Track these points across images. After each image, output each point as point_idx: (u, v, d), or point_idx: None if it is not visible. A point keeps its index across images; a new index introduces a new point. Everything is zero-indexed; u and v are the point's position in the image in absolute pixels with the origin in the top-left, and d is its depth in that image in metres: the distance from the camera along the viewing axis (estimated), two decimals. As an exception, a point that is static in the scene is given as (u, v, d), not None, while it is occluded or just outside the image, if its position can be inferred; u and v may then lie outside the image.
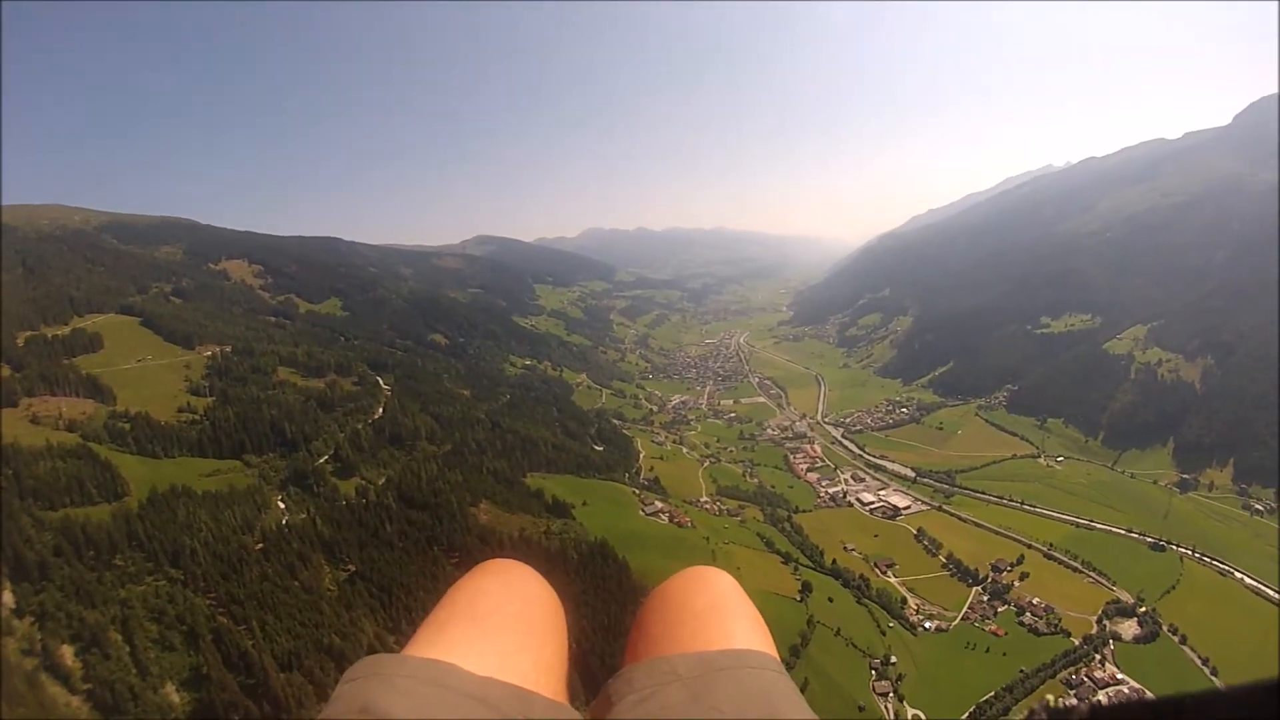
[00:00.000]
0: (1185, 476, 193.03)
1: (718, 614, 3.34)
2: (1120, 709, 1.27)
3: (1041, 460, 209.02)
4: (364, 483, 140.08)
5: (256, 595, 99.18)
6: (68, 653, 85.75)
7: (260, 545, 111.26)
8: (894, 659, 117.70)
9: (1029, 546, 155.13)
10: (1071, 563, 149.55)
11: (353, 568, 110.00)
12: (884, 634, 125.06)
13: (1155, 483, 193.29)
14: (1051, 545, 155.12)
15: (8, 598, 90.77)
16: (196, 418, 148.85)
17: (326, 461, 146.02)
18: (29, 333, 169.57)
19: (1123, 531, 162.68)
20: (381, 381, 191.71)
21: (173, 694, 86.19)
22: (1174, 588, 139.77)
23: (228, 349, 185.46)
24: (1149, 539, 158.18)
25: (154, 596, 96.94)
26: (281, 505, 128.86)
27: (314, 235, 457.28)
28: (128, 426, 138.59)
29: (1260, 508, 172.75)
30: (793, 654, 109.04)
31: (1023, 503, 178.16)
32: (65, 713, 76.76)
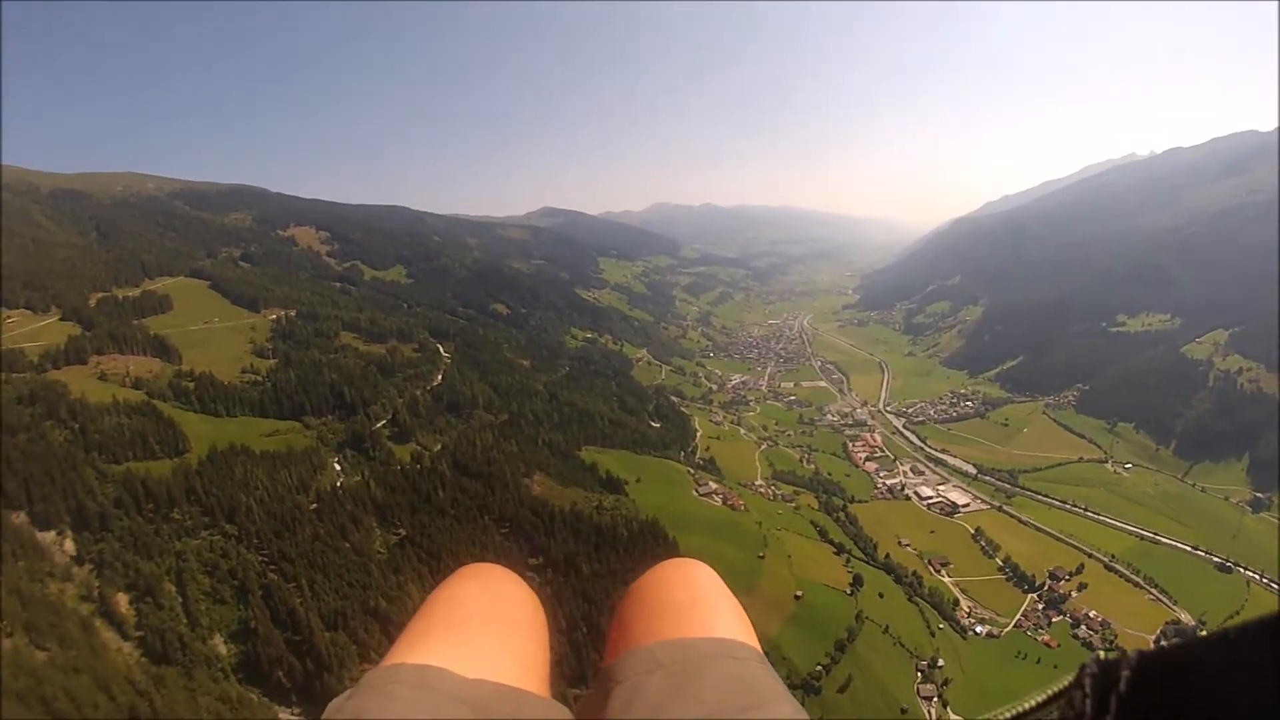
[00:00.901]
0: (1259, 495, 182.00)
1: (699, 605, 3.32)
2: (1165, 654, 1.28)
3: (1109, 466, 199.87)
4: (420, 448, 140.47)
5: (307, 554, 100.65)
6: (123, 600, 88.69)
7: (314, 505, 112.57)
8: (941, 662, 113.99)
9: (1090, 556, 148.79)
10: (1133, 577, 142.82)
11: (403, 532, 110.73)
12: (933, 635, 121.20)
13: (1227, 499, 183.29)
14: (1113, 556, 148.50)
15: (69, 546, 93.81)
16: (259, 379, 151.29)
17: (384, 426, 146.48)
18: (101, 294, 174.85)
19: (1189, 548, 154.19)
20: (442, 349, 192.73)
21: (220, 645, 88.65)
22: (1238, 613, 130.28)
23: (292, 313, 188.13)
24: (1216, 558, 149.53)
25: (208, 550, 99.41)
26: (337, 467, 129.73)
27: (382, 204, 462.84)
28: (191, 385, 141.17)
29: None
30: (838, 649, 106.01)
31: (1086, 509, 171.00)
32: (116, 658, 78.47)
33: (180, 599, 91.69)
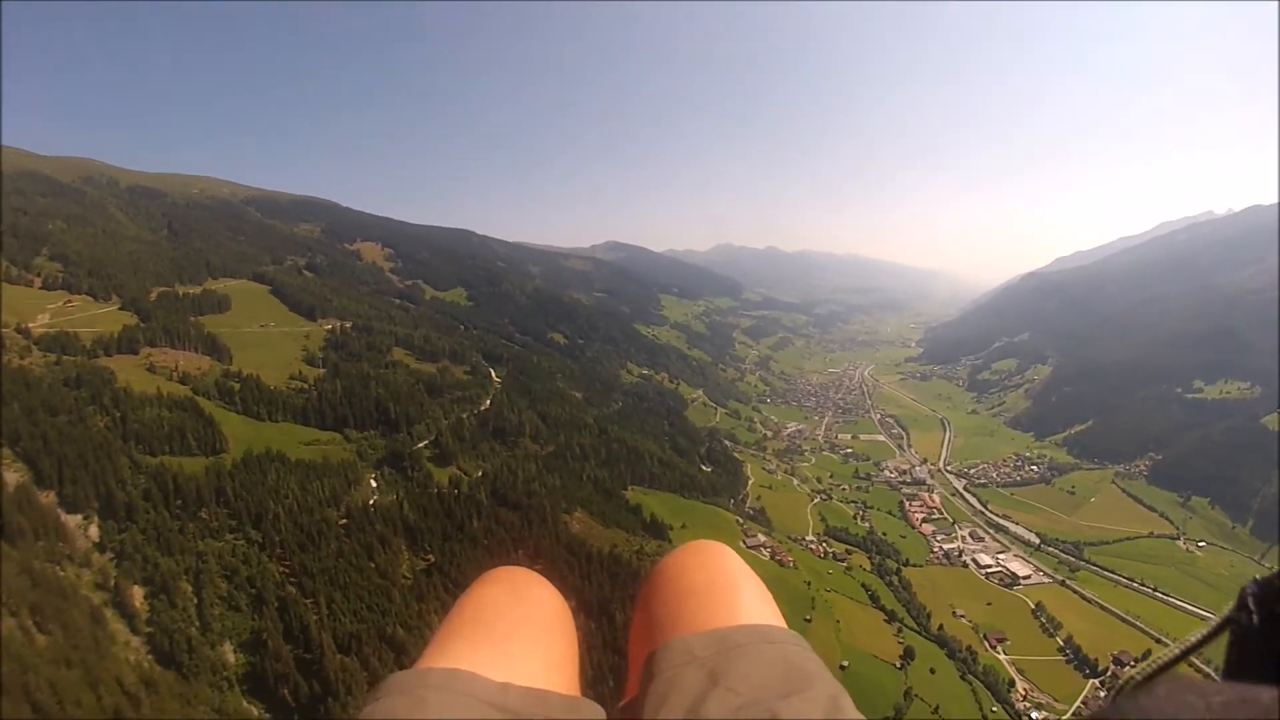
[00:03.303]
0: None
1: (728, 589, 3.26)
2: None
3: (1180, 543, 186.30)
4: (459, 473, 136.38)
5: (329, 571, 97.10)
6: (138, 594, 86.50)
7: (343, 521, 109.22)
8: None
9: (1157, 640, 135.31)
10: (1204, 667, 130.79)
11: (432, 558, 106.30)
12: (985, 718, 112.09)
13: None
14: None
15: (94, 531, 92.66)
16: (305, 386, 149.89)
17: (426, 446, 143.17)
18: (162, 288, 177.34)
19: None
20: (494, 373, 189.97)
21: (229, 653, 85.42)
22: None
23: (348, 325, 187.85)
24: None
25: (230, 555, 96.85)
26: (373, 484, 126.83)
27: (449, 227, 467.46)
28: (237, 386, 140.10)
29: None
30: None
31: (1155, 589, 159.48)
32: (120, 652, 76.12)
33: (195, 600, 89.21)
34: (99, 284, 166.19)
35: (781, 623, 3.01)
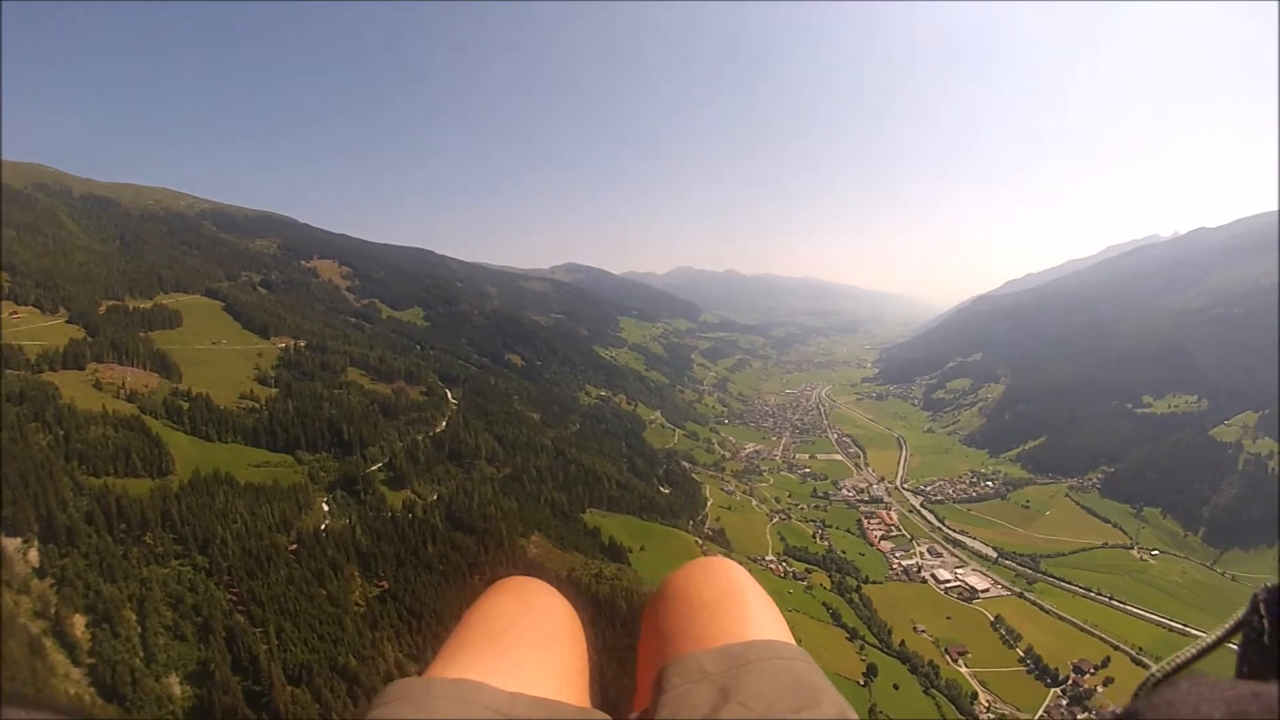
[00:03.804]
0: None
1: (736, 605, 3.28)
2: None
3: (1134, 552, 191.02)
4: (414, 496, 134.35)
5: (279, 598, 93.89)
6: (79, 623, 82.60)
7: (293, 546, 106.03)
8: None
9: (1116, 648, 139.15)
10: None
11: (385, 585, 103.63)
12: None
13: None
14: (1140, 649, 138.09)
15: (33, 556, 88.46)
16: (256, 406, 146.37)
17: (379, 469, 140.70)
18: (112, 302, 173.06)
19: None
20: (450, 395, 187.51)
21: (174, 686, 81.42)
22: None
23: (302, 344, 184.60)
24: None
25: (175, 581, 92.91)
26: (325, 508, 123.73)
27: (407, 245, 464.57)
28: (185, 405, 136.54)
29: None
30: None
31: (1112, 598, 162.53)
32: (64, 684, 73.31)
33: (139, 630, 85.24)
34: (46, 295, 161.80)
35: (790, 639, 2.99)
